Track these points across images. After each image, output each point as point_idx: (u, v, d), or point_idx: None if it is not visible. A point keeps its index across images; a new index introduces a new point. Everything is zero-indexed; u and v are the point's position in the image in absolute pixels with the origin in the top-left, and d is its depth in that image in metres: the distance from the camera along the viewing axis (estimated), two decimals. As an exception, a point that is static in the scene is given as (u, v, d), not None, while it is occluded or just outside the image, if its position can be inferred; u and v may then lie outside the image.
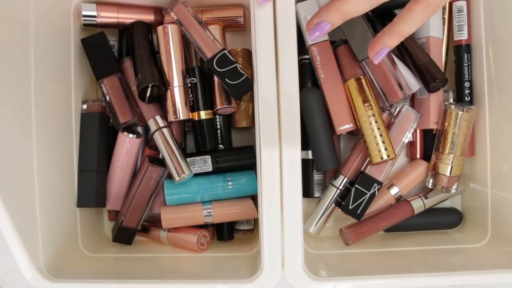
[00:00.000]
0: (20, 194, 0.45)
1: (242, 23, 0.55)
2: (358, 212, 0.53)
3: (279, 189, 0.45)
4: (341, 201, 0.53)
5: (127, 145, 0.53)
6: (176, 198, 0.53)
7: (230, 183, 0.53)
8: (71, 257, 0.52)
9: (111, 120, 0.53)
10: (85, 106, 0.54)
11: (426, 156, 0.56)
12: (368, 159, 0.51)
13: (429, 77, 0.50)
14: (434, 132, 0.55)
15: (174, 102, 0.52)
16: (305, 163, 0.54)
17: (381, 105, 0.52)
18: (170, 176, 0.52)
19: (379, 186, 0.52)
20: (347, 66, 0.51)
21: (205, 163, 0.54)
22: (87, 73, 0.56)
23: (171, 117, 0.52)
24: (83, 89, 0.55)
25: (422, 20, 0.37)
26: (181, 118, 0.52)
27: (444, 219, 0.57)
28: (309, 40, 0.51)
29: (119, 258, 0.54)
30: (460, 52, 0.54)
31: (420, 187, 0.57)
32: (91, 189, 0.53)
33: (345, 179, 0.54)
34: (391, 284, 0.45)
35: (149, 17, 0.54)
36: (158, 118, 0.52)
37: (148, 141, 0.57)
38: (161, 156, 0.54)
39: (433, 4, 0.35)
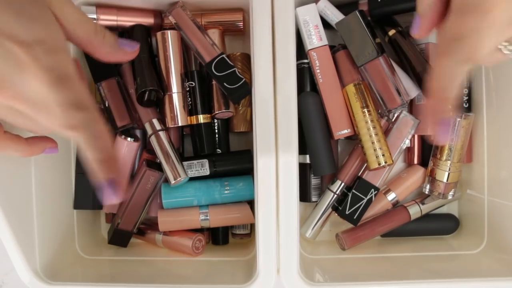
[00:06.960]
0: (17, 195, 0.45)
1: (242, 27, 0.55)
2: (354, 217, 0.53)
3: (275, 194, 0.45)
4: (338, 206, 0.53)
5: (124, 149, 0.53)
6: (173, 202, 0.53)
7: (227, 187, 0.53)
8: (68, 259, 0.52)
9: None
10: (83, 108, 0.54)
11: (423, 162, 0.56)
12: (366, 164, 0.51)
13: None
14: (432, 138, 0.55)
15: (172, 108, 0.52)
16: (302, 167, 0.54)
17: (379, 111, 0.52)
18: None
19: (376, 191, 0.52)
20: (346, 71, 0.51)
21: (202, 167, 0.53)
22: (86, 74, 0.56)
23: (169, 123, 0.52)
24: (82, 91, 0.55)
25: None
26: (180, 124, 0.52)
27: (441, 225, 0.57)
28: (308, 45, 0.51)
29: (116, 261, 0.54)
30: (459, 59, 0.54)
31: (417, 193, 0.57)
32: (88, 191, 0.53)
33: (342, 184, 0.54)
34: (387, 290, 0.46)
35: (148, 20, 0.54)
36: (155, 121, 0.52)
37: (146, 145, 0.57)
38: (157, 160, 0.54)
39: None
